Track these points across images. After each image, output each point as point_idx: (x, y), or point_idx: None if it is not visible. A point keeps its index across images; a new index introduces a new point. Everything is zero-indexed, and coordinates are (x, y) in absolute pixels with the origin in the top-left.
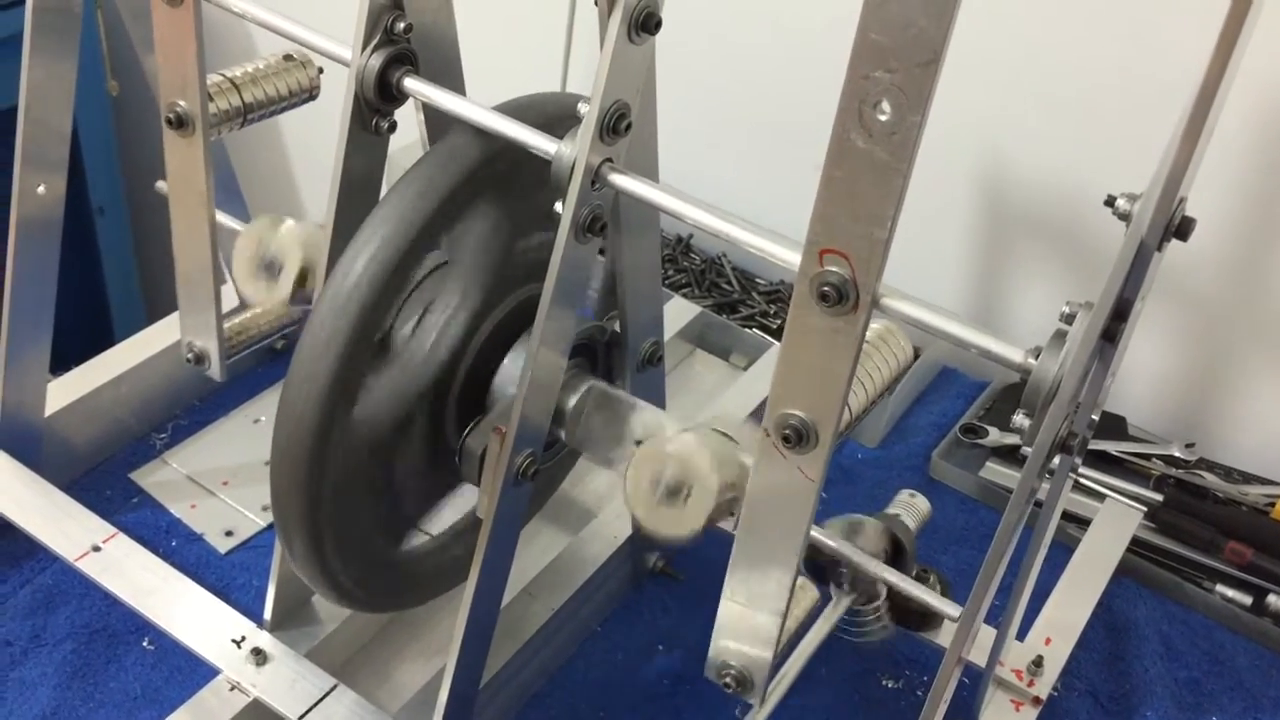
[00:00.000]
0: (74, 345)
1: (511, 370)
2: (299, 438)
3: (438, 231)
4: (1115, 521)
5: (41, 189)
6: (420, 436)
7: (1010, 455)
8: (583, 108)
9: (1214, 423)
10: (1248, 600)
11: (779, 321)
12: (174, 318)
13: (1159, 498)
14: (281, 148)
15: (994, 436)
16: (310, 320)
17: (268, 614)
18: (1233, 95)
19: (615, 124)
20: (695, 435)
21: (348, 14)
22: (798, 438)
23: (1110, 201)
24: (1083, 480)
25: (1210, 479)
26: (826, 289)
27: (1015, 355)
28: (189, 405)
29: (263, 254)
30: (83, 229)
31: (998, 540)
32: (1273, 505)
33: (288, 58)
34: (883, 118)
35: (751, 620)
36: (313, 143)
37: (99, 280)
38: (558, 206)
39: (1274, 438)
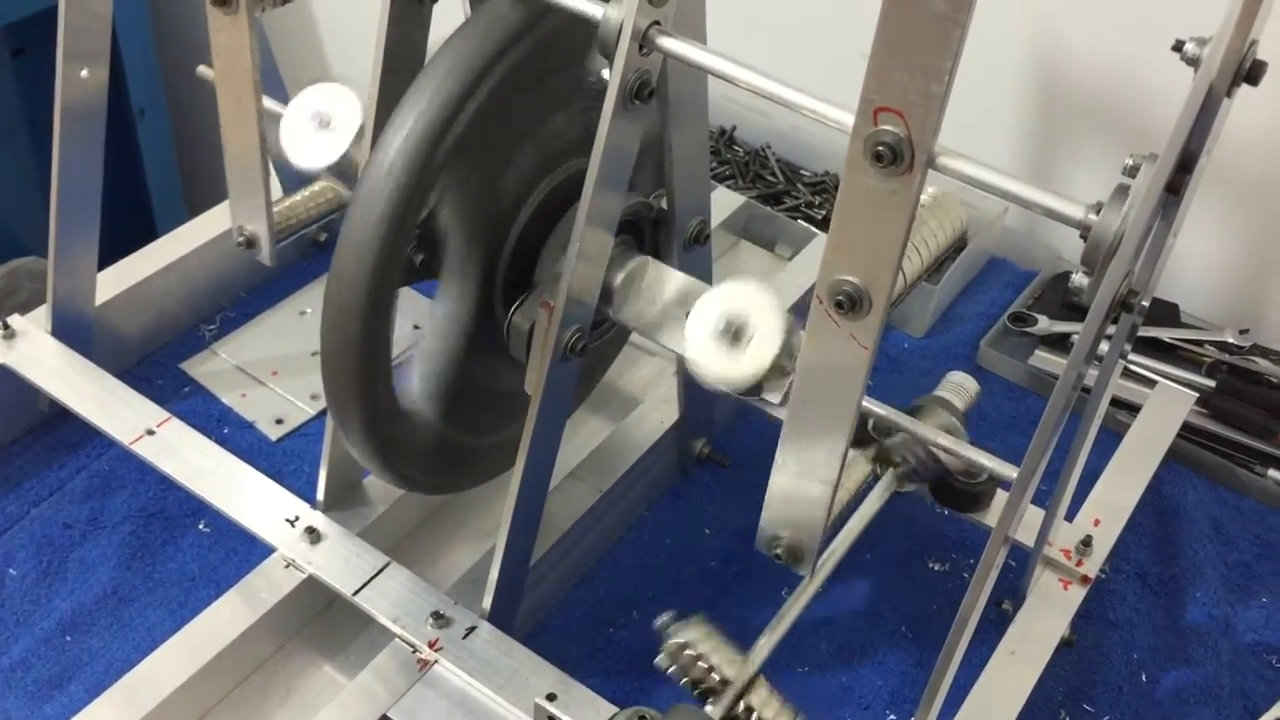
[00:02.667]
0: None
1: (557, 247)
2: (350, 316)
3: (477, 103)
4: (1167, 405)
5: (85, 73)
6: (473, 320)
7: (1059, 343)
8: None
9: (1268, 309)
10: None
11: (824, 212)
12: (217, 211)
13: (1211, 383)
14: (312, 26)
15: (1043, 325)
16: (354, 197)
17: (320, 495)
18: None
19: None
20: (742, 286)
21: None
22: (851, 304)
23: (1179, 46)
24: (1134, 367)
25: (1264, 364)
26: (881, 148)
27: (1076, 211)
28: (236, 297)
29: (319, 115)
30: (124, 131)
31: (1051, 407)
32: None
33: None
34: None
35: (803, 492)
36: (345, 18)
37: (141, 182)
38: (604, 73)
39: None
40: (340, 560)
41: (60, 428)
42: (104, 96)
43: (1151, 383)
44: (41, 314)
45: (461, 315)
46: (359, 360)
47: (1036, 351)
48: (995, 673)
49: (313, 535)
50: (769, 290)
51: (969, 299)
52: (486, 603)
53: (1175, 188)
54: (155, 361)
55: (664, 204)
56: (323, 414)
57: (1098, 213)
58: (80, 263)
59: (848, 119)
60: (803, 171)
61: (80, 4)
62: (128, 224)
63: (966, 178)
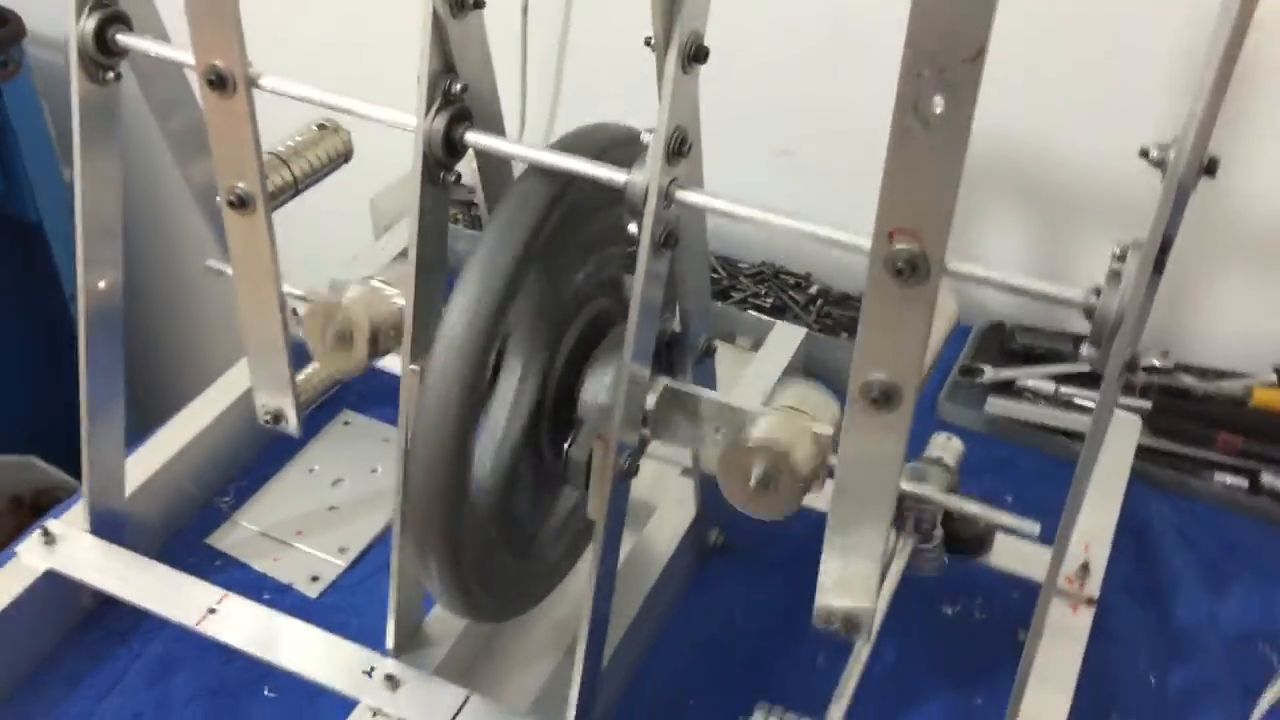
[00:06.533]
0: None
1: (593, 385)
2: (434, 484)
3: (523, 274)
4: (1120, 430)
5: (102, 284)
6: (525, 459)
7: (1007, 389)
8: (646, 136)
9: (1180, 329)
10: (1245, 484)
11: (770, 300)
12: (213, 391)
13: (1148, 404)
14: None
15: (990, 374)
16: (428, 376)
17: (389, 643)
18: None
19: (679, 148)
20: (771, 420)
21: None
22: (885, 399)
23: (1145, 153)
24: (1079, 402)
25: (1189, 380)
26: (901, 265)
27: (1078, 295)
28: (245, 466)
29: (333, 327)
30: (58, 315)
31: (1083, 464)
32: (1249, 394)
33: (321, 126)
34: (938, 110)
35: (855, 569)
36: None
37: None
38: (632, 228)
39: (1236, 335)
40: (424, 702)
41: (104, 620)
42: (120, 298)
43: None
44: (76, 514)
45: (511, 454)
46: (445, 500)
47: (989, 399)
48: (1034, 695)
49: (391, 682)
50: (779, 425)
51: None
52: (570, 716)
53: (1159, 267)
54: (182, 542)
55: (674, 327)
56: (353, 566)
57: (1098, 295)
58: (110, 459)
59: (862, 241)
60: (740, 264)
61: (94, 219)
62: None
63: (978, 279)
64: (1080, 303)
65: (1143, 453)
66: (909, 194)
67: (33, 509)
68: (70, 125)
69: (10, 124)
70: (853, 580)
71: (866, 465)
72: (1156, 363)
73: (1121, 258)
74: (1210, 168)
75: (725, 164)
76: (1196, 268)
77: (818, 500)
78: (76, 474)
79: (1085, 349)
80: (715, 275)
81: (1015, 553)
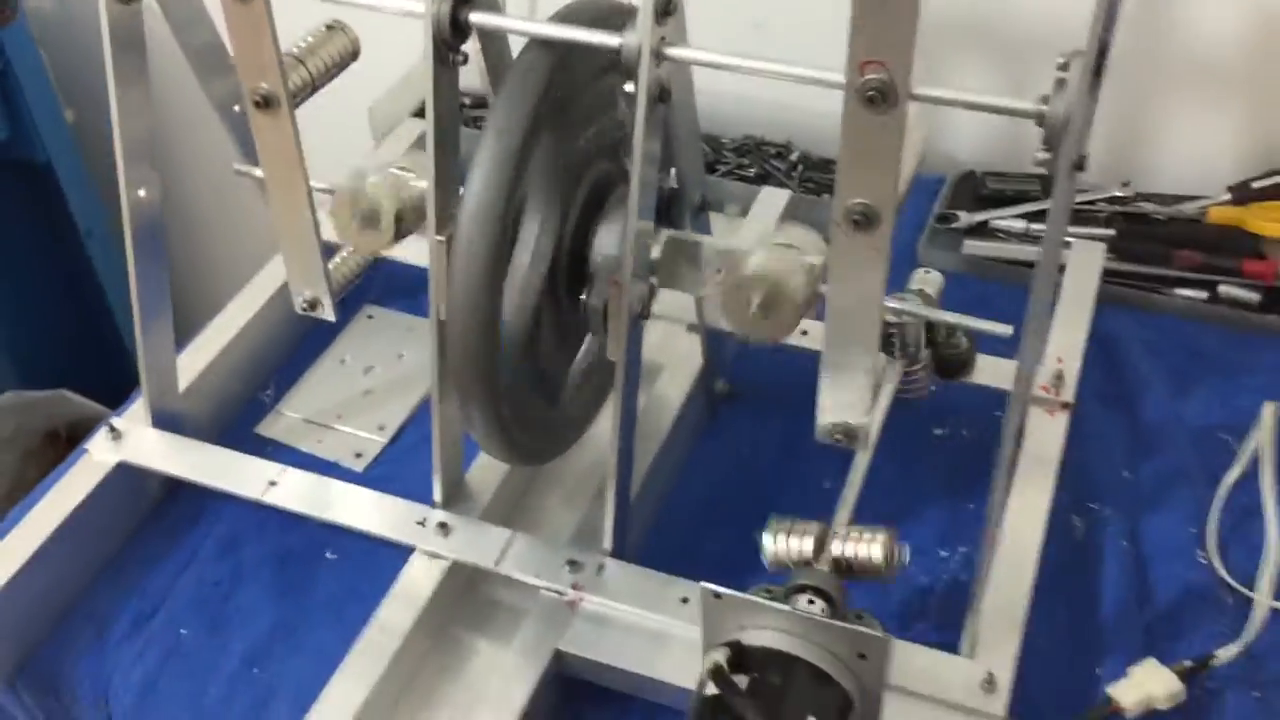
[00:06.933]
0: (90, 360)
1: (605, 238)
2: (471, 338)
3: (534, 139)
4: (1085, 256)
5: (142, 192)
6: (547, 311)
7: (981, 230)
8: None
9: (1141, 161)
10: (1204, 295)
11: (754, 170)
12: (245, 295)
13: (1112, 231)
14: None
15: (965, 219)
16: (456, 244)
17: (437, 496)
18: None
19: (666, 6)
20: (764, 253)
21: None
22: (866, 221)
23: None
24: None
25: (1149, 206)
26: (872, 93)
27: (1028, 105)
28: (281, 362)
29: (359, 209)
30: (75, 253)
31: (1042, 264)
32: (1204, 214)
33: (329, 26)
34: None
35: (850, 383)
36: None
37: (101, 296)
38: (628, 86)
39: (1191, 160)
40: (473, 543)
41: (173, 506)
42: (160, 205)
43: (1066, 244)
44: (136, 412)
45: (534, 307)
46: (482, 351)
47: (965, 241)
48: (1019, 495)
49: (443, 529)
50: (774, 258)
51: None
52: (607, 543)
53: (1098, 71)
54: (233, 433)
55: (672, 183)
56: (393, 442)
57: (1046, 103)
58: (163, 362)
59: (835, 76)
60: (723, 140)
61: (129, 134)
62: (95, 338)
63: (941, 100)
64: (1032, 111)
65: (1110, 276)
66: (875, 29)
67: (69, 442)
68: (67, 69)
69: (12, 68)
70: (848, 397)
71: (853, 286)
72: (1119, 193)
73: (1065, 68)
74: None
75: (705, 39)
76: (1151, 100)
77: (814, 342)
78: (108, 404)
79: (1037, 154)
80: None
81: (996, 371)
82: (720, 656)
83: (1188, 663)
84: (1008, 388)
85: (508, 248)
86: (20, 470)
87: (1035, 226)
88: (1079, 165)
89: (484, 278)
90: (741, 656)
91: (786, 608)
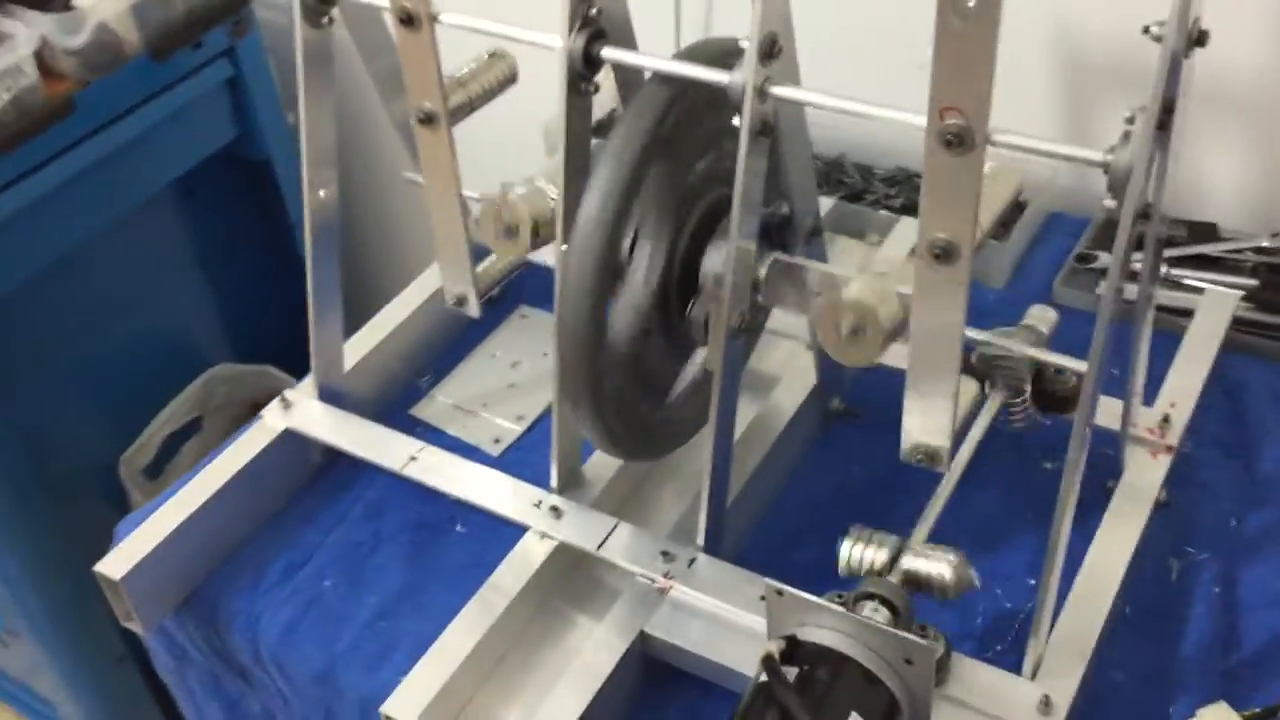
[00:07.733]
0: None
1: (713, 257)
2: (576, 342)
3: (645, 170)
4: (1216, 304)
5: (323, 193)
6: (657, 324)
7: None
8: (743, 42)
9: None
10: None
11: (900, 200)
12: (411, 289)
13: (1255, 282)
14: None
15: (1104, 259)
16: (568, 254)
17: (553, 482)
18: None
19: (770, 50)
20: (859, 282)
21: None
22: (946, 254)
23: (1146, 29)
24: (1187, 280)
25: None
26: (950, 138)
27: (1096, 155)
28: (439, 354)
29: (501, 220)
30: (286, 243)
31: (1104, 299)
32: None
33: (492, 55)
34: (970, 3)
35: (931, 407)
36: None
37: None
38: (735, 120)
39: None
40: (581, 527)
41: (331, 473)
42: (337, 208)
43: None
44: (306, 387)
45: (643, 318)
46: (585, 358)
47: (1101, 282)
48: (1108, 531)
49: (555, 512)
50: (865, 285)
51: (1038, 250)
52: (700, 539)
53: (1164, 126)
54: (390, 413)
55: (784, 210)
56: (529, 431)
57: (1111, 153)
58: (332, 343)
59: (920, 120)
60: (875, 170)
61: (314, 140)
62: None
63: (1016, 147)
64: (1099, 161)
65: (1247, 326)
66: (954, 78)
67: None
68: (292, 76)
69: (244, 77)
70: (930, 421)
71: (934, 315)
72: (1266, 243)
73: (1131, 121)
74: (1200, 40)
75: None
76: None
77: None
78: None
79: (1105, 202)
80: (849, 180)
81: (1107, 410)
82: (774, 647)
83: (1257, 710)
84: (1118, 429)
85: (616, 261)
86: (227, 433)
87: (1176, 271)
88: (1145, 215)
89: (589, 289)
90: (795, 650)
91: (840, 608)
